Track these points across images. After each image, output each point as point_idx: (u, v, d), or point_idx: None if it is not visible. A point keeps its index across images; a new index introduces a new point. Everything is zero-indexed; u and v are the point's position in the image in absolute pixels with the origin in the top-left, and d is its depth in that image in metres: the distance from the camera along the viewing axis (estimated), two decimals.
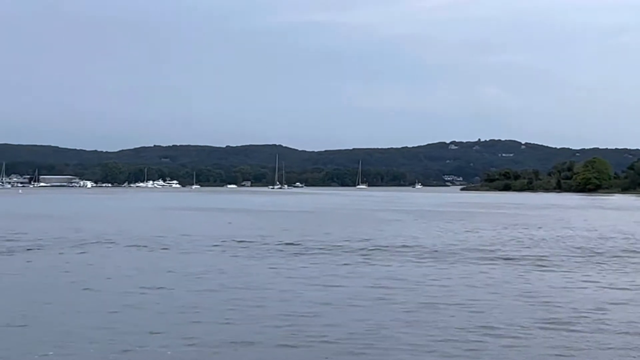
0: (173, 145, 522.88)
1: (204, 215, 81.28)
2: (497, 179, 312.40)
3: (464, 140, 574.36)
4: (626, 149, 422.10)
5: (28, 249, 40.03)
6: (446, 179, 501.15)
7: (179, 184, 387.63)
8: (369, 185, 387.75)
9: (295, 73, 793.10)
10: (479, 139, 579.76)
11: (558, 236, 52.03)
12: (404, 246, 43.16)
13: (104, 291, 25.51)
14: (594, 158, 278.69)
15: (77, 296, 24.54)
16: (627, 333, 19.08)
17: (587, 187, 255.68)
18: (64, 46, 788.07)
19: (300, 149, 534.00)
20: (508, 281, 28.95)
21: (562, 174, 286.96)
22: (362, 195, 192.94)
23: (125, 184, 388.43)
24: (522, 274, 31.50)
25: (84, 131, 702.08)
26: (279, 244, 43.86)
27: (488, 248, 42.60)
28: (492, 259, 36.82)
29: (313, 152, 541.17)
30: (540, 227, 62.42)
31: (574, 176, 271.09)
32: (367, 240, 47.22)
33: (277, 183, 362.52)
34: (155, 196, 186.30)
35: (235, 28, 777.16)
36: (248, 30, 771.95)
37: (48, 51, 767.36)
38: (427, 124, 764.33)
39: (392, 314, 21.60)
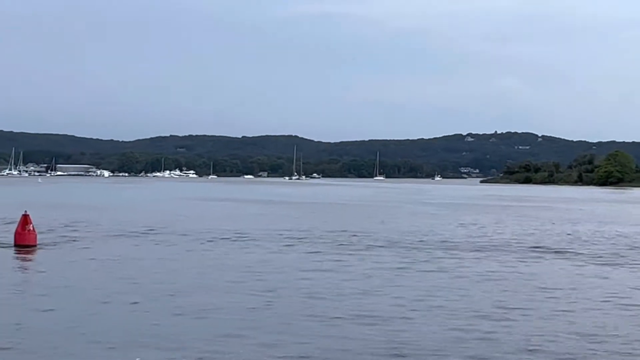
0: (189, 135, 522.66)
1: (237, 207, 79.03)
2: (518, 172, 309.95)
3: (481, 133, 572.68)
4: None
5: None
6: (462, 171, 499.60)
7: (195, 174, 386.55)
8: (386, 177, 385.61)
9: (310, 64, 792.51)
10: (496, 131, 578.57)
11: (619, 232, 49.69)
12: (480, 241, 40.94)
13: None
14: (616, 151, 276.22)
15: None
16: None
17: (609, 180, 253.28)
18: (81, 36, 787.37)
19: (316, 140, 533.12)
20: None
21: (582, 167, 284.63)
22: (383, 187, 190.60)
23: (142, 173, 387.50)
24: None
25: (100, 120, 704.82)
26: (339, 238, 41.74)
27: (571, 244, 40.50)
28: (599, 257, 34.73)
29: (329, 143, 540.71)
30: (599, 222, 60.09)
31: (596, 169, 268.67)
32: (428, 234, 45.02)
33: (295, 174, 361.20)
34: (177, 186, 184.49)
35: (249, 19, 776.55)
36: (262, 22, 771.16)
37: (64, 40, 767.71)
38: (443, 115, 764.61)
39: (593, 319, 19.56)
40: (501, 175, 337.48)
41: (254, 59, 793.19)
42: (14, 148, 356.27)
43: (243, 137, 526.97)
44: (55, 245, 36.34)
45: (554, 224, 57.57)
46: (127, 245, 37.66)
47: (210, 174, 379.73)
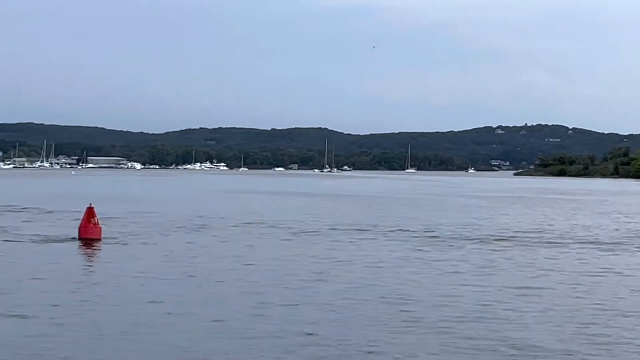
0: (218, 128, 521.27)
1: (283, 200, 77.93)
2: (552, 164, 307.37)
3: (511, 125, 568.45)
4: None
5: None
6: (493, 163, 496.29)
7: (226, 166, 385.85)
8: (417, 170, 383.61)
9: (338, 56, 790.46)
10: (526, 124, 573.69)
11: None
12: (548, 235, 39.67)
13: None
14: None
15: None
16: None
17: None
18: (109, 30, 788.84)
19: (345, 132, 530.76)
20: None
21: (617, 160, 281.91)
22: (419, 180, 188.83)
23: (173, 166, 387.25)
24: None
25: (130, 113, 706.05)
26: (411, 232, 40.44)
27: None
28: None
29: (358, 135, 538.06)
30: None
31: (633, 162, 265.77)
32: (492, 228, 43.72)
33: (327, 166, 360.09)
34: (211, 179, 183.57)
35: (280, 11, 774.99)
36: (292, 14, 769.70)
37: (94, 34, 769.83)
38: (473, 108, 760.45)
39: None
40: (534, 167, 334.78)
41: (283, 51, 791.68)
42: (45, 140, 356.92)
43: (272, 129, 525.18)
44: (119, 239, 35.18)
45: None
46: (192, 238, 36.58)
47: (240, 167, 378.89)
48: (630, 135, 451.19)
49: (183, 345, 15.14)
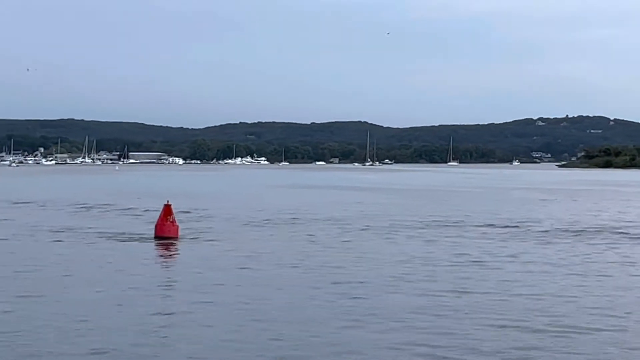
0: (258, 122, 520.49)
1: (338, 194, 76.21)
2: (597, 156, 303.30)
3: (551, 117, 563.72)
4: None
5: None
6: (534, 155, 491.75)
7: (267, 160, 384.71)
8: (459, 162, 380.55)
9: (377, 50, 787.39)
10: (567, 115, 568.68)
11: None
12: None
13: None
14: None
15: None
16: None
17: None
18: (150, 27, 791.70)
19: (385, 126, 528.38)
20: None
21: None
22: (464, 173, 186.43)
23: (214, 160, 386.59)
24: None
25: (170, 108, 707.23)
26: (499, 227, 38.79)
27: None
28: None
29: (398, 128, 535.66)
30: None
31: None
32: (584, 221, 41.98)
33: (368, 160, 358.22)
34: (256, 173, 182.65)
35: (319, 5, 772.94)
36: (332, 7, 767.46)
37: (133, 31, 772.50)
38: (513, 100, 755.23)
39: None
40: (579, 159, 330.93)
41: (320, 45, 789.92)
42: (87, 136, 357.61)
43: (312, 123, 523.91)
44: (196, 237, 33.71)
45: None
46: (265, 234, 35.05)
47: (281, 161, 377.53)
48: None
49: None
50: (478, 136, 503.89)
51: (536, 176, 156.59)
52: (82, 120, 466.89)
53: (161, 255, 29.14)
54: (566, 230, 37.26)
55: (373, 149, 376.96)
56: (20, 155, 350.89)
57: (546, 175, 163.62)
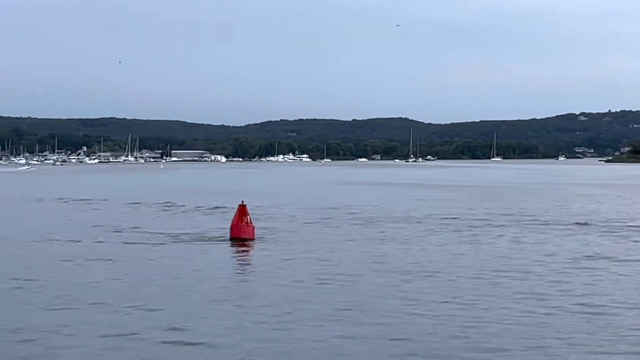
0: (299, 119, 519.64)
1: (395, 191, 74.62)
2: None
3: (594, 112, 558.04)
4: None
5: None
6: (577, 151, 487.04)
7: (309, 157, 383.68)
8: (503, 158, 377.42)
9: (418, 46, 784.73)
10: (609, 110, 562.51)
11: None
12: None
13: None
14: None
15: None
16: None
17: None
18: (189, 25, 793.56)
19: (426, 122, 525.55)
20: None
21: None
22: (513, 168, 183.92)
23: (256, 158, 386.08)
24: None
25: (211, 106, 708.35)
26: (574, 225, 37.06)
27: None
28: None
29: (439, 124, 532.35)
30: None
31: None
32: None
33: (412, 156, 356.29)
34: (303, 170, 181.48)
35: (356, 3, 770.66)
36: (371, 4, 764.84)
37: (172, 30, 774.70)
38: (555, 95, 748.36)
39: None
40: (624, 154, 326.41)
41: (361, 41, 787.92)
42: (130, 135, 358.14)
43: (353, 120, 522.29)
44: (274, 238, 32.16)
45: None
46: (338, 233, 33.38)
47: (323, 158, 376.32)
48: None
49: None
50: (520, 132, 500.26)
51: (586, 171, 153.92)
52: (124, 118, 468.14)
53: (243, 262, 27.56)
54: None
55: (416, 145, 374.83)
56: (63, 154, 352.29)
57: (596, 171, 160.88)
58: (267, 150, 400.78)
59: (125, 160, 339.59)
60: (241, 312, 17.27)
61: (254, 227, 31.70)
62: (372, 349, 14.20)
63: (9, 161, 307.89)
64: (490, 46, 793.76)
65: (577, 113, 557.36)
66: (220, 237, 32.15)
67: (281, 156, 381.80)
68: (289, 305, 18.02)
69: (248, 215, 31.54)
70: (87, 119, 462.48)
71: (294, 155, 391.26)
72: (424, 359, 13.65)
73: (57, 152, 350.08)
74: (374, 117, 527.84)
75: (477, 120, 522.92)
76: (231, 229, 31.65)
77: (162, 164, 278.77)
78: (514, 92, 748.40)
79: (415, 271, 23.10)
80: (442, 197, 61.49)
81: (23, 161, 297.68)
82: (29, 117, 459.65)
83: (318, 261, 25.56)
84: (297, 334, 15.35)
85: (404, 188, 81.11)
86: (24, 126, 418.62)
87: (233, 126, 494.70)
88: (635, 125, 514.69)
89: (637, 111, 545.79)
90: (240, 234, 31.23)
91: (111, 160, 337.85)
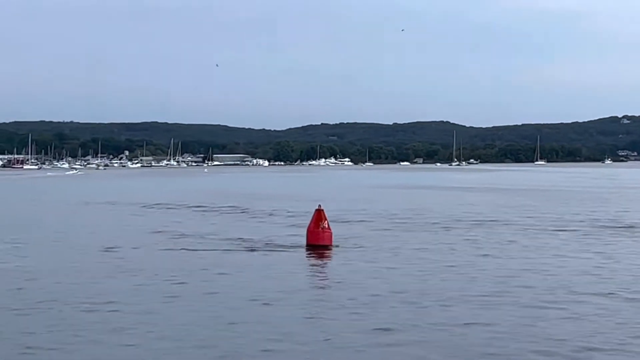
0: (340, 123, 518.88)
1: (455, 195, 72.39)
2: None
3: (637, 114, 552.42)
4: None
5: None
6: (620, 154, 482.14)
7: (350, 161, 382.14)
8: (547, 161, 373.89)
9: (456, 49, 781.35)
10: None
11: None
12: None
13: None
14: None
15: None
16: None
17: None
18: (228, 27, 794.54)
19: (467, 125, 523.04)
20: None
21: None
22: (562, 172, 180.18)
23: (298, 161, 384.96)
24: None
25: (252, 110, 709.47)
26: None
27: None
28: None
29: (481, 128, 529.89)
30: None
31: None
32: None
33: (455, 159, 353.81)
34: (350, 174, 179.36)
35: (400, 6, 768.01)
36: (416, 6, 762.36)
37: (212, 32, 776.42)
38: (597, 98, 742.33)
39: None
40: None
41: (401, 45, 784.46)
42: (172, 139, 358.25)
43: (394, 123, 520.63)
44: (350, 245, 30.31)
45: None
46: (415, 239, 31.49)
47: (365, 161, 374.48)
48: None
49: None
50: (562, 135, 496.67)
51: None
52: (165, 122, 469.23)
53: (324, 277, 25.78)
54: None
55: (459, 149, 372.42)
56: (105, 158, 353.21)
57: None
58: (308, 154, 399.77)
59: (167, 164, 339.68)
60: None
61: (331, 233, 29.93)
62: None
63: (52, 165, 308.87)
64: (531, 49, 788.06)
65: (620, 116, 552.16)
66: (295, 244, 30.43)
67: (323, 160, 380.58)
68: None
69: (326, 220, 29.76)
70: (129, 123, 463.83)
71: (336, 159, 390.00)
72: None
73: (100, 157, 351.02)
74: (414, 120, 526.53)
75: (519, 123, 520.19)
76: (307, 235, 29.90)
77: (206, 167, 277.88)
78: (555, 95, 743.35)
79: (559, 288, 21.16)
80: (512, 202, 59.25)
81: (66, 165, 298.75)
82: (71, 122, 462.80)
83: (411, 271, 23.68)
84: None
85: (463, 192, 78.99)
86: (66, 130, 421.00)
87: (274, 130, 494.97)
88: None
89: None
90: (317, 241, 29.47)
91: (153, 164, 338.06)
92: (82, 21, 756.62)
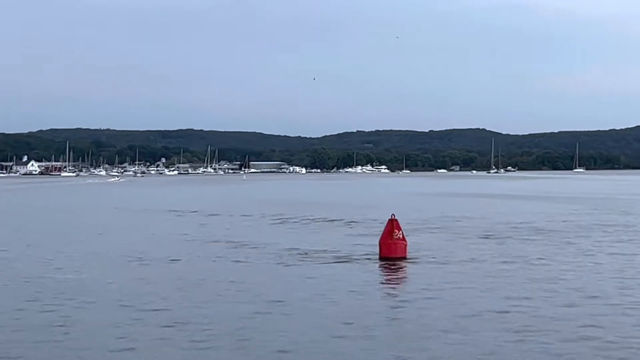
0: (375, 130, 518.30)
1: (506, 203, 70.21)
2: None
3: None
4: None
5: None
6: None
7: (387, 168, 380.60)
8: (586, 169, 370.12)
9: (492, 56, 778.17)
10: None
11: None
12: None
13: None
14: None
15: None
16: None
17: None
18: (269, 40, 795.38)
19: (504, 133, 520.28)
20: None
21: None
22: (605, 179, 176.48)
23: (334, 169, 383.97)
24: None
25: (288, 117, 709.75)
26: None
27: None
28: None
29: (517, 135, 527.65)
30: None
31: None
32: None
33: (493, 167, 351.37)
34: (390, 181, 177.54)
35: (437, 9, 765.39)
36: (449, 13, 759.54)
37: (252, 37, 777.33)
38: (635, 104, 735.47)
39: None
40: None
41: (436, 51, 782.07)
42: (209, 146, 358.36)
43: (430, 130, 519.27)
44: (422, 256, 28.46)
45: None
46: (490, 250, 29.50)
47: (402, 169, 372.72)
48: None
49: None
50: (599, 142, 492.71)
51: None
52: (201, 130, 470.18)
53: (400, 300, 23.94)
54: None
55: (497, 156, 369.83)
56: (142, 165, 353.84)
57: None
58: (344, 161, 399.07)
59: (204, 171, 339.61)
60: None
61: (406, 244, 28.12)
62: None
63: (89, 172, 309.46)
64: (568, 56, 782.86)
65: None
66: (365, 254, 28.68)
67: (359, 167, 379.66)
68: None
69: (400, 229, 27.95)
70: (165, 131, 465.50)
71: (372, 167, 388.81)
72: None
73: (137, 164, 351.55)
74: (450, 127, 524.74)
75: (556, 130, 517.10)
76: (380, 246, 28.07)
77: (244, 175, 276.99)
78: (592, 102, 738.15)
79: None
80: (570, 210, 57.07)
81: (103, 173, 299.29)
82: (108, 129, 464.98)
83: (498, 288, 21.82)
84: None
85: (513, 200, 76.77)
86: (103, 138, 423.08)
87: (310, 137, 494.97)
88: None
89: None
90: (391, 253, 27.64)
91: (190, 171, 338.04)
92: (118, 29, 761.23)
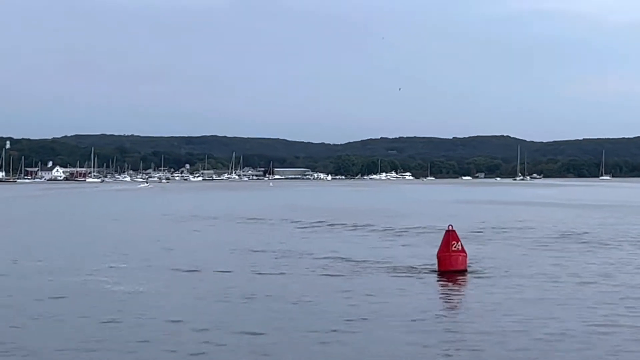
0: (399, 137, 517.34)
1: (544, 210, 69.17)
2: None
3: None
4: None
5: None
6: None
7: (411, 175, 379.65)
8: (612, 177, 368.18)
9: (519, 63, 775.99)
10: None
11: None
12: None
13: None
14: None
15: None
16: None
17: None
18: (288, 44, 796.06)
19: (528, 140, 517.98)
20: None
21: None
22: (635, 187, 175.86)
23: (358, 175, 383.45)
24: None
25: (312, 124, 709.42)
26: None
27: None
28: None
29: (541, 142, 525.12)
30: None
31: None
32: None
33: (519, 174, 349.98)
34: (418, 188, 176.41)
35: (457, 17, 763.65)
36: (471, 20, 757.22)
37: (274, 49, 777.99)
38: None
39: None
40: None
41: (460, 59, 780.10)
42: (234, 152, 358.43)
43: (454, 138, 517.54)
44: (483, 269, 27.56)
45: None
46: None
47: (427, 176, 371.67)
48: None
49: None
50: (625, 150, 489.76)
51: None
52: (225, 136, 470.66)
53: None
54: None
55: (522, 163, 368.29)
56: (166, 171, 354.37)
57: None
58: (369, 167, 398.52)
59: (228, 177, 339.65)
60: None
61: (465, 255, 27.22)
62: None
63: (114, 178, 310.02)
64: (593, 63, 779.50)
65: None
66: (421, 266, 27.92)
67: (384, 174, 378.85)
68: None
69: (458, 240, 27.05)
70: (189, 137, 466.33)
71: (397, 173, 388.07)
72: None
73: (161, 170, 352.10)
74: (474, 134, 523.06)
75: (581, 138, 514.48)
76: (438, 259, 27.16)
77: (270, 181, 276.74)
78: (617, 109, 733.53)
79: None
80: (612, 218, 56.04)
81: (128, 179, 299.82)
82: (132, 135, 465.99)
83: (572, 305, 20.93)
84: None
85: (547, 207, 75.88)
86: (127, 144, 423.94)
87: (333, 144, 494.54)
88: None
89: None
90: (449, 266, 26.74)
91: (214, 177, 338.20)
92: (141, 36, 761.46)
